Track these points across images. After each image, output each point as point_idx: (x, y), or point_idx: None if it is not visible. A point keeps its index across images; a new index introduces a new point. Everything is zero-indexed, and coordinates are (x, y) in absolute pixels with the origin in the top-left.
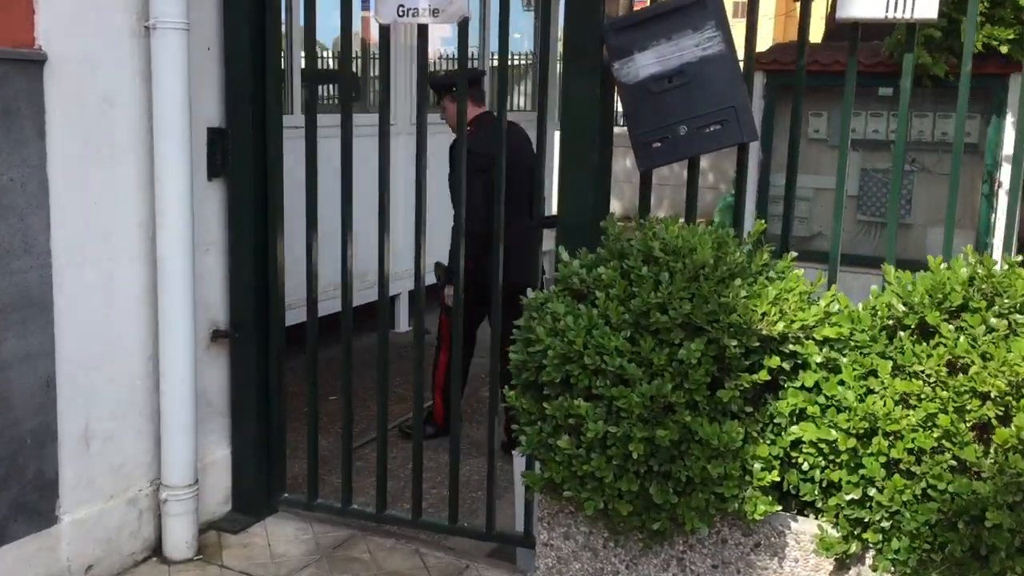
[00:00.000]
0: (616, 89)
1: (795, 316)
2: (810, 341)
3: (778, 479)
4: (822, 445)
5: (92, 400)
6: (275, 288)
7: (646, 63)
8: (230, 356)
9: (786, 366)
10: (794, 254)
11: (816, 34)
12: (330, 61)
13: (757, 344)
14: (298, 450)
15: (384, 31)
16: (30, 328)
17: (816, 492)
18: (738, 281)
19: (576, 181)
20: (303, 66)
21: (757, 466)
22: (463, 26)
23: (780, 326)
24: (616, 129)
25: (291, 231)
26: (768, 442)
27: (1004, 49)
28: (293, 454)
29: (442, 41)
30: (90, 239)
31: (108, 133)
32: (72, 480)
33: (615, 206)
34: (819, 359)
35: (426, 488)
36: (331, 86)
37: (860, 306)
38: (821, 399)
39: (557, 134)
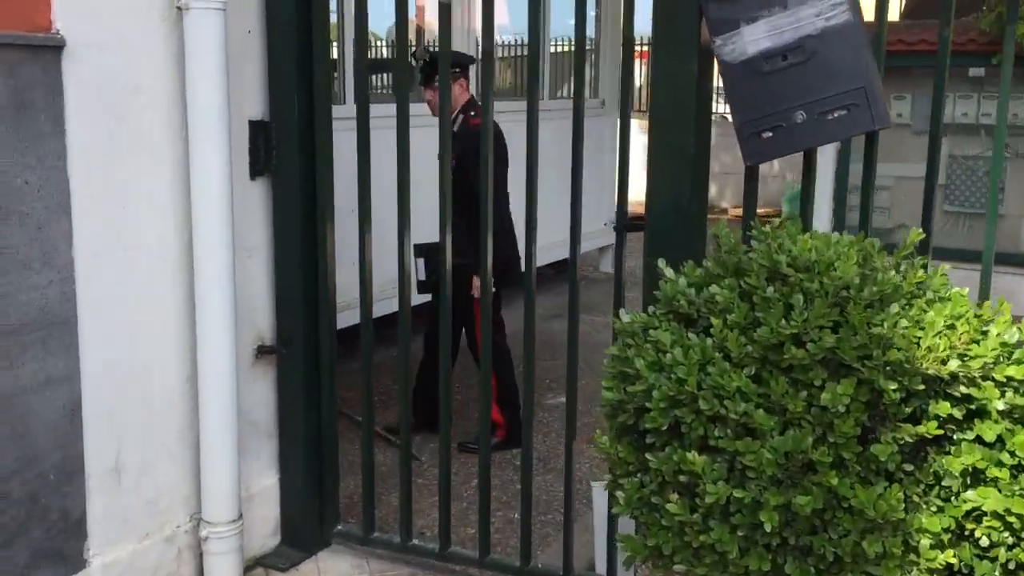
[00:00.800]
0: (717, 69)
1: (969, 350)
2: (988, 382)
3: (952, 560)
4: (1011, 518)
5: (123, 427)
6: (326, 296)
7: (755, 37)
8: (277, 372)
9: (957, 413)
10: (947, 266)
11: (893, 13)
12: (384, 50)
13: (921, 387)
14: (353, 464)
15: (445, 10)
16: (51, 350)
17: (998, 574)
18: (894, 307)
19: (669, 177)
20: (354, 52)
21: (925, 542)
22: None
23: (953, 364)
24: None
25: (341, 228)
26: (934, 509)
27: None
28: (347, 468)
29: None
30: (118, 247)
31: (137, 127)
32: (102, 518)
33: None
34: (1000, 405)
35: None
36: (384, 74)
37: None
38: (1005, 456)
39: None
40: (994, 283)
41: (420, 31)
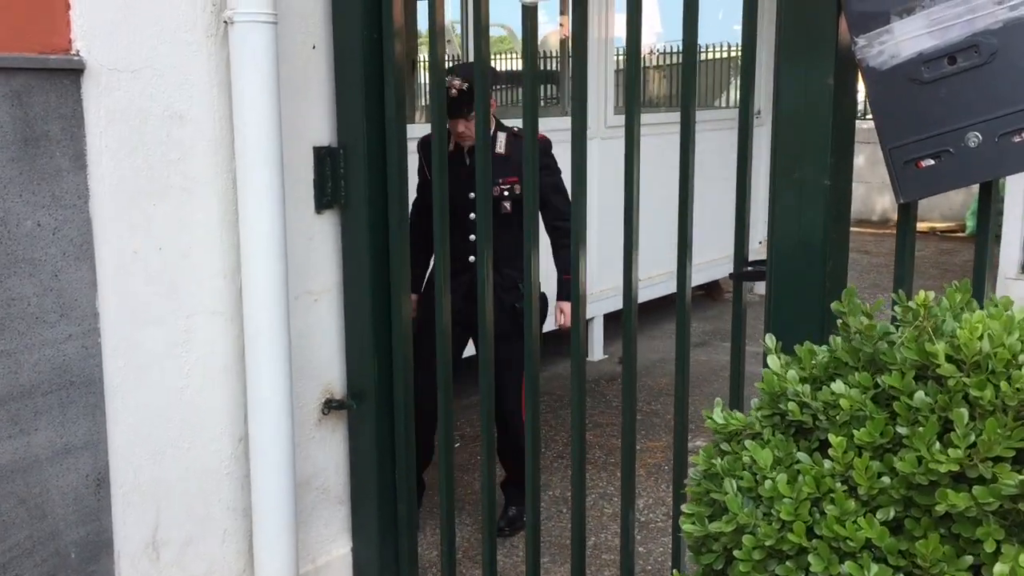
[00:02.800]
0: (860, 77)
1: None
2: None
3: None
4: None
5: (162, 498)
6: (401, 344)
7: (911, 35)
8: (348, 430)
9: None
10: None
11: None
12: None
13: None
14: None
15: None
16: (70, 414)
17: None
18: None
19: (795, 214)
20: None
21: None
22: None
23: None
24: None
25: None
26: None
27: None
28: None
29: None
30: (154, 295)
31: (177, 159)
32: None
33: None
34: None
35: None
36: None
37: None
38: None
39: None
40: None
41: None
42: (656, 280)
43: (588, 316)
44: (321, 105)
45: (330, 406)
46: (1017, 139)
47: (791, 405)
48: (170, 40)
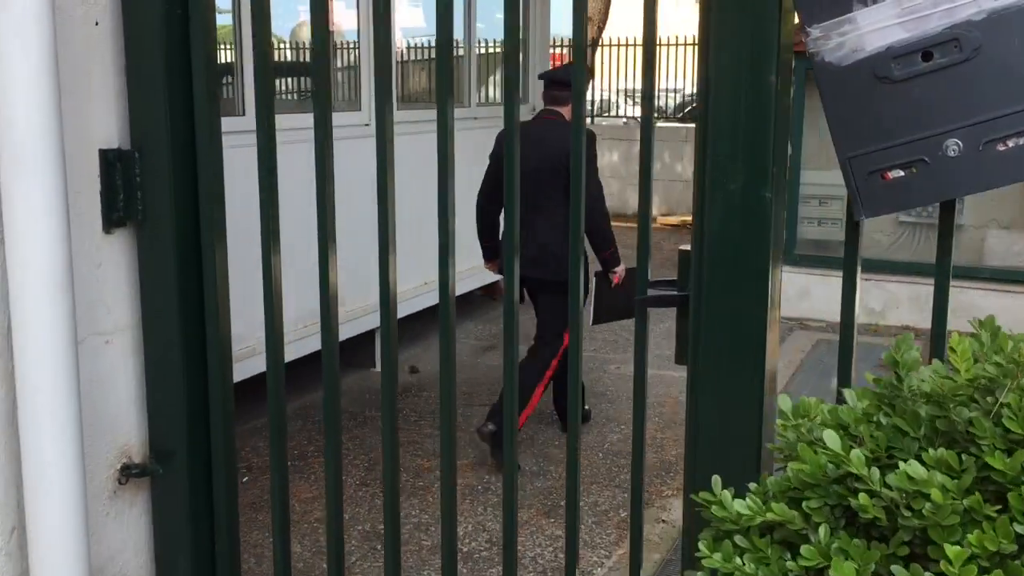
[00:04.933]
0: (814, 76)
1: None
2: None
3: None
4: None
5: None
6: (220, 385)
7: (878, 25)
8: (153, 501)
9: None
10: None
11: None
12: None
13: None
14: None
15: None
16: None
17: None
18: None
19: (726, 239)
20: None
21: None
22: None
23: None
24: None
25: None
26: None
27: None
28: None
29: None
30: None
31: None
32: None
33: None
34: None
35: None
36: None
37: None
38: None
39: None
40: (956, 299)
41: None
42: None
43: (375, 324)
44: (108, 98)
45: (128, 472)
46: (1003, 147)
47: (863, 498)
48: None
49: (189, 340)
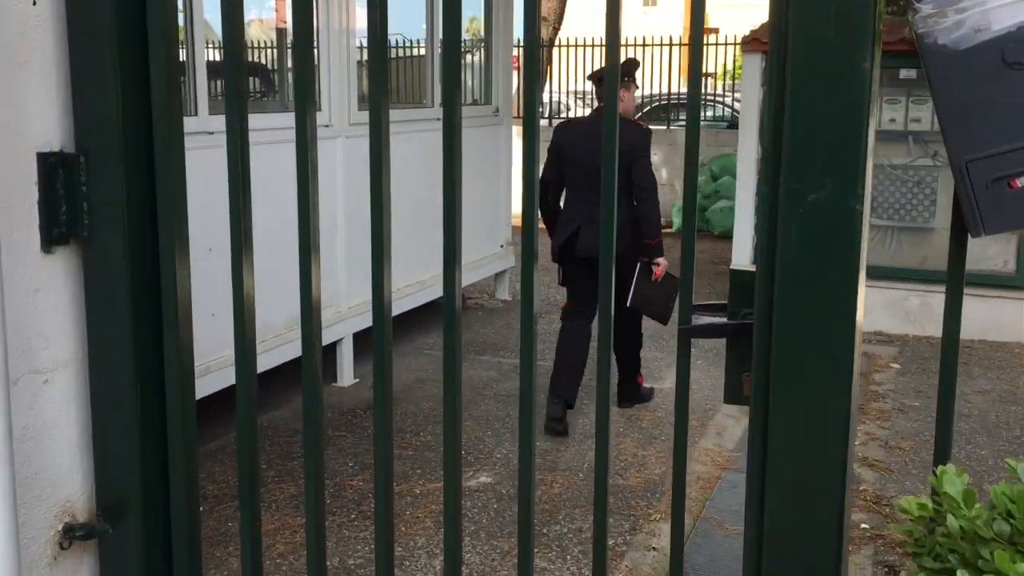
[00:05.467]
0: (923, 62)
1: None
2: None
3: None
4: None
5: None
6: (181, 424)
7: (1003, 1)
8: (101, 563)
9: None
10: None
11: None
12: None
13: None
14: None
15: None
16: None
17: None
18: None
19: (799, 247)
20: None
21: None
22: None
23: None
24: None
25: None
26: None
27: None
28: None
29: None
30: None
31: None
32: None
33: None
34: None
35: None
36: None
37: None
38: None
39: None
40: (929, 304)
41: (280, 30)
42: (404, 292)
43: (336, 336)
44: (48, 92)
45: (72, 535)
46: None
47: None
48: None
49: (143, 375)
